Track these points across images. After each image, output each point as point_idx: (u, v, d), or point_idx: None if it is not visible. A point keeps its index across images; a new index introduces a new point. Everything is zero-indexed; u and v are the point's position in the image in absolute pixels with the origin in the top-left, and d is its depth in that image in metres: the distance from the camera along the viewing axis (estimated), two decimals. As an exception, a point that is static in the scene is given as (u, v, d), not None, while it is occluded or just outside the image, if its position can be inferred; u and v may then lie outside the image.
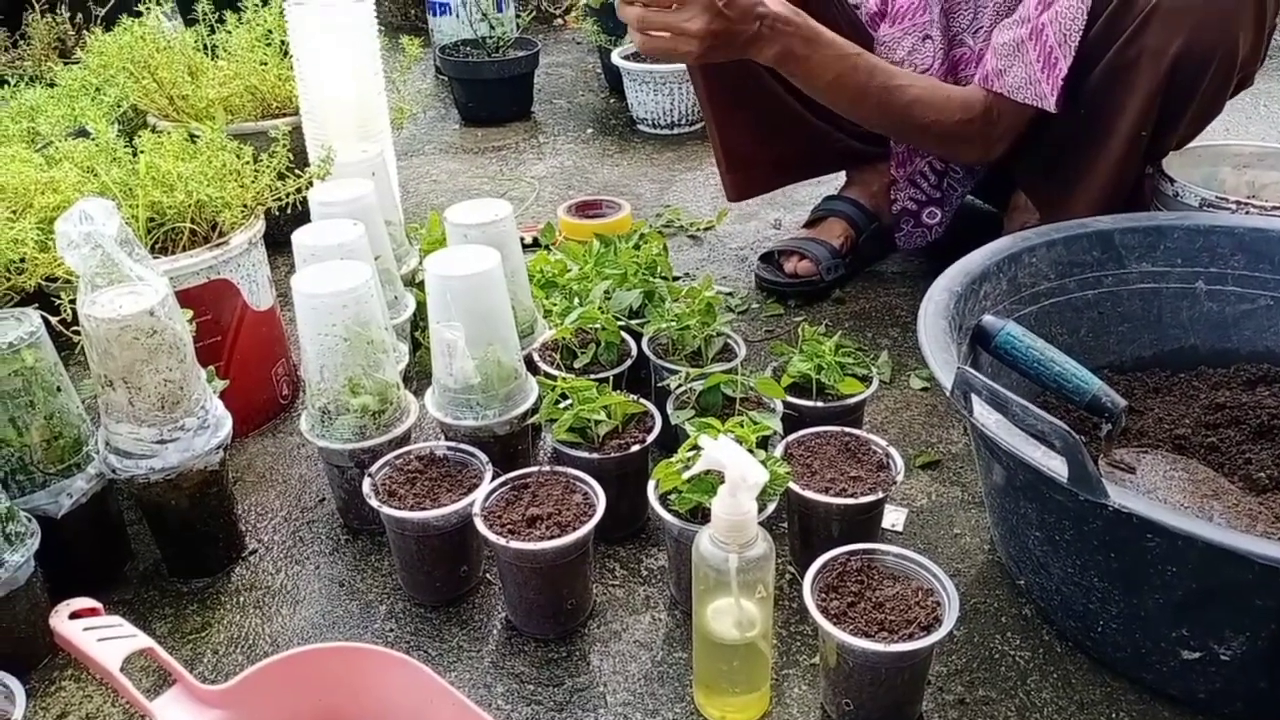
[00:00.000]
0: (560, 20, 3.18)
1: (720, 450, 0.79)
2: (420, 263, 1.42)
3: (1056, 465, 0.80)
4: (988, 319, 1.05)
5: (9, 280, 1.04)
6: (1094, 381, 1.04)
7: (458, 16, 2.59)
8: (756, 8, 1.22)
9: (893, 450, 1.02)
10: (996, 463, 0.93)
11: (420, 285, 1.37)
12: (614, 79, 2.47)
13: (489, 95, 2.43)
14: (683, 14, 1.20)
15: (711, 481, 0.92)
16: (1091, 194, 1.35)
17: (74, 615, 0.88)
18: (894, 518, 1.11)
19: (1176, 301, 1.20)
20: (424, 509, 0.98)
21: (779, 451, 1.02)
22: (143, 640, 0.85)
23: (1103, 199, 1.34)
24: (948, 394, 0.87)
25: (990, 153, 1.40)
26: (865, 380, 1.12)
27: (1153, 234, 1.19)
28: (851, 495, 0.97)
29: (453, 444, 1.07)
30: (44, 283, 1.07)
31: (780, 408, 1.08)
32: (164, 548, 1.08)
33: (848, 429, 1.05)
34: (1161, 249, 1.19)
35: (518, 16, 2.69)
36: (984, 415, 0.85)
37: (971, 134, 1.36)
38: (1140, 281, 1.20)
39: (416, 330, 1.35)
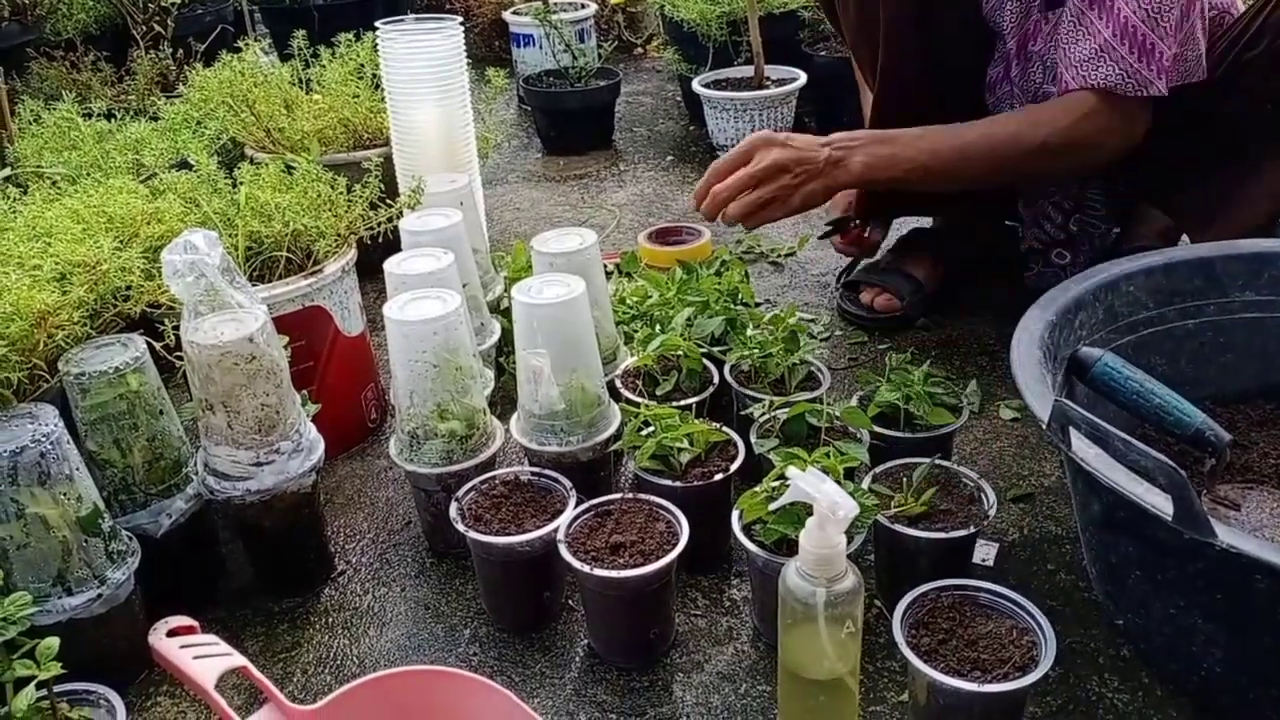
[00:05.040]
0: (640, 49, 3.21)
1: (808, 482, 0.78)
2: (505, 290, 1.44)
3: (1160, 502, 0.77)
4: (1084, 349, 1.03)
5: (115, 307, 1.08)
6: (1197, 414, 1.00)
7: (541, 48, 2.64)
8: (817, 139, 1.31)
9: (984, 483, 0.99)
10: (1095, 498, 0.90)
11: (505, 312, 1.39)
12: (694, 106, 2.48)
13: (571, 124, 2.46)
14: (752, 164, 1.31)
15: (798, 513, 0.91)
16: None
17: (171, 633, 0.91)
18: (985, 552, 1.08)
19: (1284, 331, 1.16)
20: (509, 534, 0.99)
21: (866, 483, 1.01)
22: (237, 659, 0.87)
23: None
24: (1044, 427, 0.85)
25: (1132, 138, 1.29)
26: (955, 410, 1.10)
27: (1256, 261, 1.15)
28: (942, 529, 0.95)
29: (537, 469, 1.08)
30: (148, 309, 1.11)
31: (867, 438, 1.06)
32: (257, 567, 1.11)
33: (938, 461, 1.03)
34: (1266, 277, 1.14)
35: (599, 47, 2.73)
36: (1082, 449, 0.83)
37: (1096, 129, 1.27)
38: (1244, 311, 1.16)
39: (501, 356, 1.37)
